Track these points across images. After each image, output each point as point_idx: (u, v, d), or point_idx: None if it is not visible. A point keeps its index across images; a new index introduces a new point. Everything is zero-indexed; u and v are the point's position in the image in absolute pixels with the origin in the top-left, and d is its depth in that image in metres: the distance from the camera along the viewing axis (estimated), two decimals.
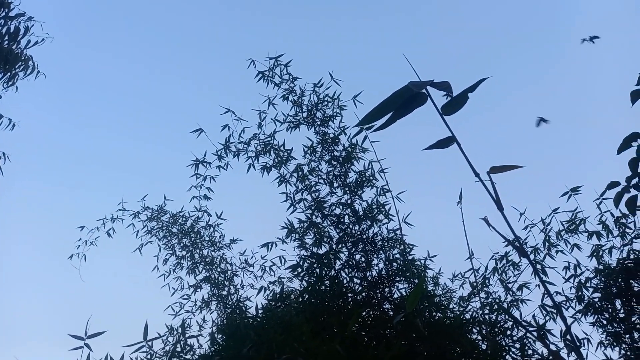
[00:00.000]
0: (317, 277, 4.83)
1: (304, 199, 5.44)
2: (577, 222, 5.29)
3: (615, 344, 4.90)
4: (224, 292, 5.75)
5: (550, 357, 3.27)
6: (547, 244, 5.42)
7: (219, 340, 3.39)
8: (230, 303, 5.60)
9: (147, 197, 6.43)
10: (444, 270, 6.26)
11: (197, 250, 6.09)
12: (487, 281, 5.62)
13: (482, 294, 5.53)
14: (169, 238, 6.24)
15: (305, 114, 5.54)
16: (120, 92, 14.82)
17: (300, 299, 4.14)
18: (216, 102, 6.04)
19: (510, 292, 5.45)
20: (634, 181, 2.96)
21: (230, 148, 5.71)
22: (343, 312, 4.06)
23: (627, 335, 4.74)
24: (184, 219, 6.21)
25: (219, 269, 5.93)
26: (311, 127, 5.51)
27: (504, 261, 5.60)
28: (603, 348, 4.97)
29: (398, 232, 5.30)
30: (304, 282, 4.92)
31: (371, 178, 5.48)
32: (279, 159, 5.50)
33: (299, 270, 4.86)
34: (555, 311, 4.92)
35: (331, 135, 5.47)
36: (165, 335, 4.92)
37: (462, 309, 5.48)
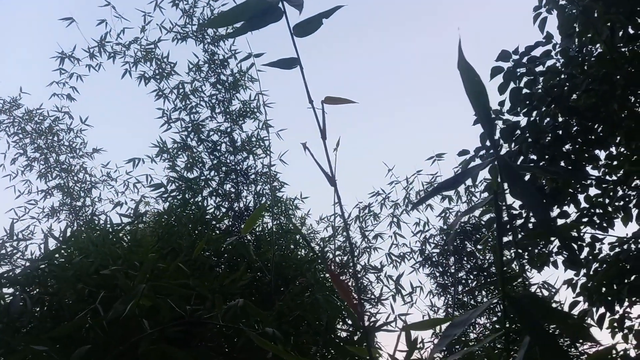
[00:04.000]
0: (182, 201, 4.72)
1: (181, 119, 5.19)
2: (435, 185, 5.77)
3: (442, 293, 5.59)
4: (78, 203, 5.37)
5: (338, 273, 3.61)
6: (406, 200, 5.87)
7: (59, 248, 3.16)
8: (83, 215, 5.25)
9: None
10: (313, 212, 6.49)
11: (53, 155, 5.54)
12: (348, 227, 5.97)
13: (341, 238, 5.88)
14: (21, 136, 5.57)
15: (195, 27, 5.16)
16: None
17: (159, 220, 4.01)
18: None
19: (366, 239, 5.87)
20: (481, 152, 3.27)
21: (105, 47, 5.15)
22: (201, 238, 4.04)
23: (453, 288, 5.41)
24: (41, 118, 5.57)
25: (75, 178, 5.49)
26: (200, 43, 5.17)
27: (366, 211, 5.98)
28: (431, 296, 5.65)
29: (273, 168, 5.34)
30: (167, 203, 4.78)
31: (255, 110, 5.37)
32: (160, 70, 5.10)
33: (164, 191, 4.69)
34: (399, 260, 5.44)
35: (220, 57, 5.20)
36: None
37: (321, 248, 5.80)
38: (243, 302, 2.12)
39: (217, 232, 4.41)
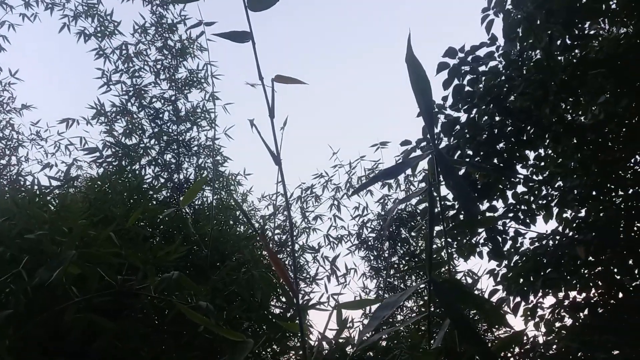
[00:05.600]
0: (117, 168, 4.53)
1: (122, 82, 4.94)
2: (376, 172, 5.91)
3: (374, 276, 5.79)
4: (3, 162, 5.02)
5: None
6: (348, 184, 5.97)
7: None
8: (7, 174, 4.92)
9: None
10: (255, 190, 6.47)
11: None
12: (290, 206, 6.00)
13: (282, 217, 5.91)
14: None
15: None
16: None
17: (92, 186, 3.83)
18: None
19: (306, 220, 5.94)
20: (422, 144, 3.39)
21: None
22: (137, 207, 3.92)
23: (385, 271, 5.62)
24: None
25: (1, 134, 5.12)
26: (148, 4, 4.92)
27: (308, 192, 6.03)
28: (364, 278, 5.84)
29: (217, 142, 5.24)
30: (102, 169, 4.58)
31: (202, 81, 5.23)
32: (102, 29, 4.82)
33: (98, 155, 4.49)
34: (336, 241, 5.56)
35: (169, 22, 4.99)
36: None
37: (261, 226, 5.80)
38: (178, 275, 2.10)
39: (154, 202, 4.30)
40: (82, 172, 5.33)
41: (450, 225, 3.78)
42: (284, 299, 3.60)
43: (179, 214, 3.19)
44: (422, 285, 4.58)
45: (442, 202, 4.05)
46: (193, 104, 5.09)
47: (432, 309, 1.15)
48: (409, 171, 5.87)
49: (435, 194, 1.04)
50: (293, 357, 3.36)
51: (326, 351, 2.32)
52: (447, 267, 1.08)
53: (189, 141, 5.12)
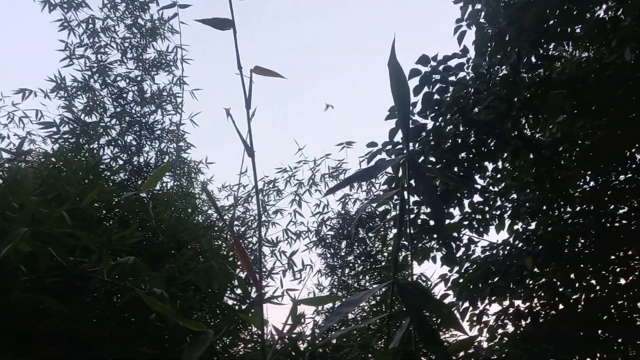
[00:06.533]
0: (74, 145, 4.36)
1: (86, 57, 4.76)
2: (340, 171, 5.96)
3: (330, 274, 5.84)
4: None
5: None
6: (311, 181, 5.99)
7: None
8: None
9: None
10: (216, 179, 6.36)
11: None
12: (250, 199, 5.96)
13: (241, 208, 5.86)
14: None
15: None
16: None
17: (45, 162, 3.67)
18: None
19: (267, 213, 5.91)
20: (388, 147, 3.45)
21: None
22: (93, 188, 3.79)
23: (340, 270, 5.68)
24: None
25: None
26: None
27: (271, 185, 6.01)
28: (320, 275, 5.88)
29: (182, 127, 5.14)
30: (57, 145, 4.40)
31: (171, 64, 5.11)
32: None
33: (55, 131, 4.31)
34: (295, 237, 5.56)
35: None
36: None
37: (219, 216, 5.72)
38: (134, 260, 2.05)
39: (111, 184, 4.17)
40: (35, 147, 5.10)
41: (417, 229, 3.86)
42: (238, 291, 3.58)
43: (139, 198, 3.11)
44: (384, 285, 4.65)
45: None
46: (159, 87, 4.97)
47: (394, 310, 1.18)
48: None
49: (405, 197, 1.06)
50: (242, 349, 3.35)
51: (280, 345, 2.33)
52: (409, 270, 1.11)
53: (152, 124, 5.00)
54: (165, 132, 5.09)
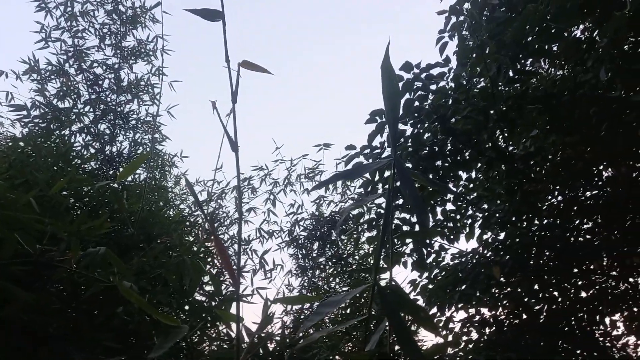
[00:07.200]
0: (45, 130, 4.23)
1: (62, 41, 4.62)
2: (316, 172, 5.96)
3: (300, 275, 5.83)
4: None
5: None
6: (286, 180, 5.96)
7: None
8: None
9: None
10: (191, 173, 6.27)
11: None
12: (224, 195, 5.89)
13: (214, 204, 5.78)
14: None
15: None
16: None
17: (14, 145, 3.54)
18: None
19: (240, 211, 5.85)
20: (366, 151, 3.46)
21: None
22: (63, 175, 3.68)
23: (311, 271, 5.67)
24: None
25: None
26: None
27: (245, 183, 5.95)
28: (290, 275, 5.86)
29: (158, 119, 5.05)
30: (27, 129, 4.25)
31: (151, 53, 5.01)
32: None
33: (25, 114, 4.16)
34: (267, 236, 5.53)
35: None
36: None
37: (199, 209, 5.63)
38: (104, 251, 1.99)
39: (81, 172, 4.05)
40: (3, 130, 4.92)
41: (396, 234, 3.89)
42: (208, 288, 3.53)
43: (111, 188, 3.03)
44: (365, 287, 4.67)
45: (377, 210, 4.16)
46: (137, 76, 4.87)
47: (373, 313, 1.18)
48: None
49: (390, 201, 1.07)
50: (207, 347, 3.31)
51: (246, 344, 2.31)
52: (389, 273, 1.12)
53: (128, 114, 4.89)
54: (141, 123, 4.99)
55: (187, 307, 2.78)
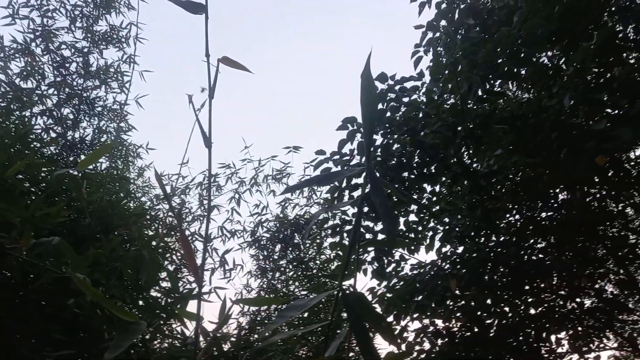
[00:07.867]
0: (4, 110, 4.04)
1: (31, 19, 4.44)
2: (284, 174, 5.93)
3: (260, 276, 5.78)
4: None
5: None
6: (253, 180, 5.90)
7: None
8: None
9: None
10: (156, 166, 6.12)
11: None
12: (188, 191, 5.78)
13: (178, 199, 5.66)
14: None
15: None
16: None
17: None
18: None
19: (202, 207, 5.76)
20: (335, 157, 3.48)
21: None
22: (20, 158, 3.53)
23: (271, 273, 5.64)
24: None
25: None
26: None
27: (211, 180, 5.86)
28: (249, 276, 5.81)
29: (125, 107, 4.91)
30: None
31: (123, 40, 4.88)
32: None
33: None
34: (230, 235, 5.47)
35: None
36: None
37: (167, 202, 5.50)
38: (58, 241, 1.91)
39: (40, 156, 3.90)
40: None
41: (363, 241, 3.92)
42: (165, 284, 3.45)
43: (72, 175, 2.93)
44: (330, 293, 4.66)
45: (342, 216, 4.19)
46: (107, 62, 4.73)
47: (335, 319, 1.19)
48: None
49: (361, 208, 1.08)
50: (159, 345, 3.23)
51: (203, 343, 2.27)
52: (352, 280, 1.13)
53: (94, 100, 4.74)
54: (107, 110, 4.85)
55: (141, 303, 2.71)
